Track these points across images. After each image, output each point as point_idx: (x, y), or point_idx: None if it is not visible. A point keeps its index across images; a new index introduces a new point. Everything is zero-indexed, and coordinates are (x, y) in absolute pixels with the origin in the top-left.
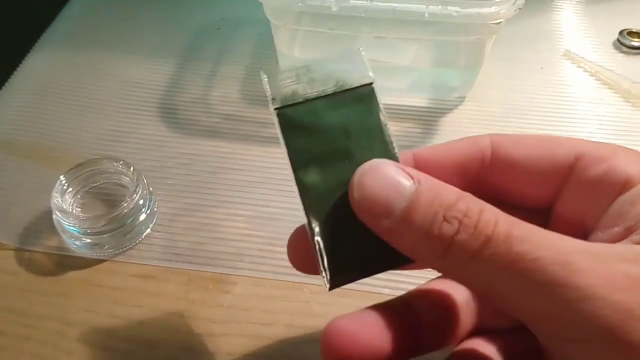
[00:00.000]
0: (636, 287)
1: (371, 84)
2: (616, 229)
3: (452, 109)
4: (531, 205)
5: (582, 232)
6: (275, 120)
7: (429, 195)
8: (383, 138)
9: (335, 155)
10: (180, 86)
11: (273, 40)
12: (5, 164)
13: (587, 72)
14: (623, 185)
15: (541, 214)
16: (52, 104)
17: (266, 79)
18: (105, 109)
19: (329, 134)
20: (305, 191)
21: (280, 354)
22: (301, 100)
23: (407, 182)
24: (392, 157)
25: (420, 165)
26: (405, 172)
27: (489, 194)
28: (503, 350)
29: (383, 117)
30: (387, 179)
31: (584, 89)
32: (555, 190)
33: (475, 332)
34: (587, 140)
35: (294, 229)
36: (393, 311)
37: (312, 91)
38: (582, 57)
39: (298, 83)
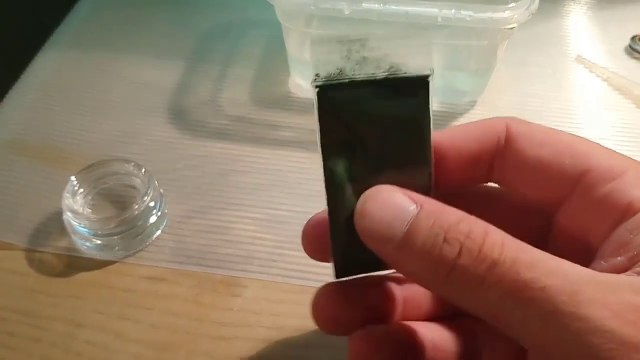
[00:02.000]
0: None
1: (428, 76)
2: (619, 258)
3: (463, 113)
4: (536, 204)
5: (583, 246)
6: (315, 98)
7: (430, 218)
8: (423, 140)
9: (370, 149)
10: (189, 88)
11: (283, 43)
12: (15, 164)
13: (598, 77)
14: (625, 210)
15: (544, 214)
16: (61, 105)
17: (314, 47)
18: (115, 110)
19: (368, 126)
20: (331, 181)
21: (290, 358)
22: (346, 81)
23: (409, 207)
24: (427, 162)
25: (438, 152)
26: (408, 197)
27: (499, 181)
28: (460, 337)
29: (430, 117)
30: (388, 204)
31: (595, 95)
32: (560, 197)
33: (456, 316)
34: (601, 151)
35: None
36: (368, 283)
37: (360, 73)
38: (593, 63)
39: (348, 60)
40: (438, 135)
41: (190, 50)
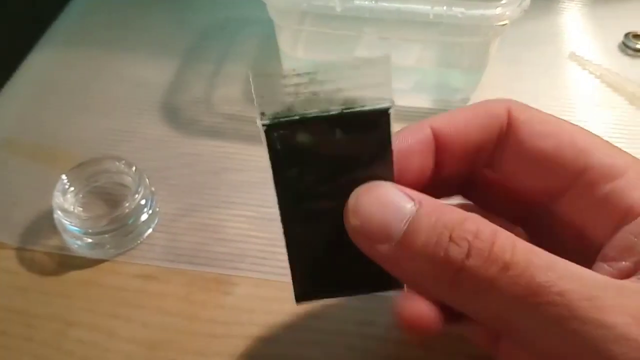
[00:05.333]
0: None
1: (388, 109)
2: (624, 263)
3: None
4: (532, 196)
5: (582, 243)
6: (263, 138)
7: (432, 216)
8: (386, 171)
9: (328, 185)
10: (183, 86)
11: (276, 40)
12: (6, 163)
13: (592, 74)
14: (626, 212)
15: (541, 207)
16: (54, 103)
17: (256, 82)
18: (108, 108)
19: (325, 166)
20: (285, 209)
21: (282, 356)
22: (297, 118)
23: (407, 204)
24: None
25: (440, 141)
26: (405, 193)
27: (497, 169)
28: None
29: (392, 150)
30: (385, 200)
31: (589, 92)
32: (558, 191)
33: None
34: (603, 147)
35: None
36: None
37: (312, 109)
38: (587, 60)
39: (296, 96)
40: (439, 121)
41: (184, 48)
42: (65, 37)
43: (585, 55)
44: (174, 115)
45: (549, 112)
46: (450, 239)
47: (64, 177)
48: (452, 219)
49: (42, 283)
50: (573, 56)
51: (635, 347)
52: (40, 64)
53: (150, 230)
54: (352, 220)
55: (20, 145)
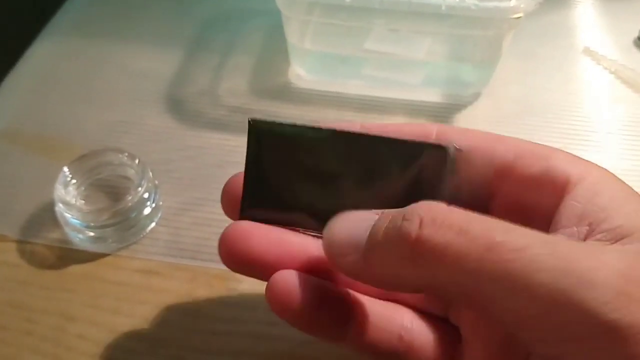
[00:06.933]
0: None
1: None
2: (576, 229)
3: (467, 105)
4: (468, 197)
5: (530, 225)
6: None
7: (389, 216)
8: None
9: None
10: (187, 77)
11: (283, 32)
12: (8, 154)
13: (606, 70)
14: (564, 184)
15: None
16: (56, 94)
17: None
18: (111, 99)
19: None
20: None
21: (285, 354)
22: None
23: (371, 217)
24: None
25: None
26: (371, 212)
27: None
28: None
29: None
30: (352, 221)
31: (603, 88)
32: (493, 187)
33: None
34: (527, 141)
35: None
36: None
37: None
38: (601, 55)
39: None
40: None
41: (190, 39)
42: (68, 27)
43: (600, 50)
44: (178, 107)
45: (562, 107)
46: (403, 219)
47: (65, 169)
48: (406, 209)
49: (43, 277)
50: (587, 51)
51: (609, 292)
52: (43, 55)
53: (153, 224)
54: (326, 245)
55: (22, 136)
